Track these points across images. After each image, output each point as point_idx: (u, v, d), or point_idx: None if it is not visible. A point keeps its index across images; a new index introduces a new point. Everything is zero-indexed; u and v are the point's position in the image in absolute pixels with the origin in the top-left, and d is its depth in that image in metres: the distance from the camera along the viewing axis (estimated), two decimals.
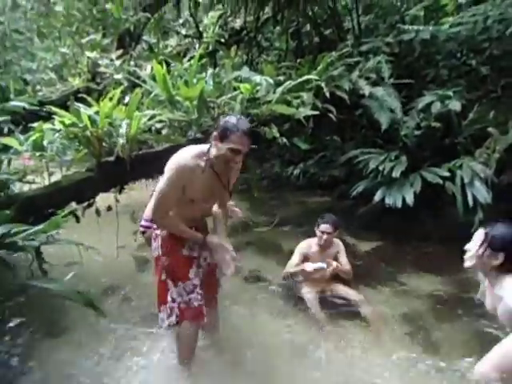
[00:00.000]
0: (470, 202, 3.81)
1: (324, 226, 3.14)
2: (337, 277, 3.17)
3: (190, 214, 2.16)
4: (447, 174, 4.04)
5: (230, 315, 2.65)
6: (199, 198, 2.13)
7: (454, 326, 2.79)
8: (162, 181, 2.07)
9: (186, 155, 2.08)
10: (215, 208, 2.35)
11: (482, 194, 3.80)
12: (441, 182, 4.01)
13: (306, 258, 3.19)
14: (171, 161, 2.08)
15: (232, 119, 2.02)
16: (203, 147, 2.13)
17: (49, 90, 6.04)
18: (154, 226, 2.25)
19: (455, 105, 4.20)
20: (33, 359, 2.42)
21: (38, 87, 6.11)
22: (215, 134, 2.06)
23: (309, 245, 3.24)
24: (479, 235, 1.91)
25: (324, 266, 2.99)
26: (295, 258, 3.19)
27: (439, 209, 4.17)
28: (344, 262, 3.20)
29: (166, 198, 2.06)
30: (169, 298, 2.13)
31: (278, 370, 2.31)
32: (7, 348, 2.44)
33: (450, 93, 4.34)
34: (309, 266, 3.00)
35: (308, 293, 3.10)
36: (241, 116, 2.09)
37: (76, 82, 5.87)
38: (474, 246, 1.91)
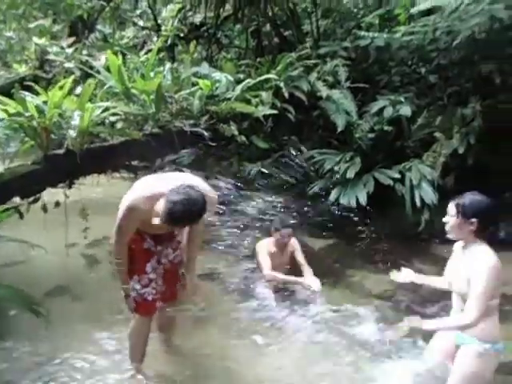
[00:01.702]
0: (418, 203, 4.02)
1: (286, 231, 3.16)
2: (293, 272, 3.22)
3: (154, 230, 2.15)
4: (398, 175, 4.24)
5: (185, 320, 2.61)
6: (161, 231, 2.13)
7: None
8: (119, 214, 2.03)
9: (140, 197, 1.99)
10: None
11: (429, 195, 4.03)
12: (392, 183, 4.19)
13: None
14: (126, 199, 2.02)
15: (177, 196, 1.84)
16: (157, 188, 1.99)
17: None
18: None
19: (406, 110, 4.42)
20: None
21: None
22: (167, 191, 1.90)
23: (268, 245, 3.25)
24: (452, 207, 2.02)
25: (318, 287, 3.02)
26: (265, 258, 3.17)
27: (389, 208, 4.36)
28: (302, 261, 3.26)
29: (124, 231, 2.05)
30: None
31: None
32: None
33: (402, 98, 4.56)
34: (311, 284, 3.02)
35: (264, 289, 3.12)
36: (190, 200, 1.85)
37: (22, 69, 5.52)
38: (449, 218, 2.02)
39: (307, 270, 3.20)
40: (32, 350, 2.39)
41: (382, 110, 4.55)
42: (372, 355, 2.46)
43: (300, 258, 3.28)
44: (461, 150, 4.11)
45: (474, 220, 1.93)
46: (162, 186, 1.98)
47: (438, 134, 4.34)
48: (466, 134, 4.15)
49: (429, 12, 4.66)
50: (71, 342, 2.48)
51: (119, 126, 3.76)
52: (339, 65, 4.92)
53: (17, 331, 2.53)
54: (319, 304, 3.01)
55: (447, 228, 2.03)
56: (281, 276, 3.15)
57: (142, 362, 2.25)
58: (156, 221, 1.91)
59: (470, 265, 1.93)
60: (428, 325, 1.99)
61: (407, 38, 4.76)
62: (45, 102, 3.01)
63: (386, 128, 4.51)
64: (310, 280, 3.09)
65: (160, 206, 1.89)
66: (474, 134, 4.12)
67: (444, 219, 2.04)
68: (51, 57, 4.76)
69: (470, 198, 1.98)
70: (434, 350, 2.17)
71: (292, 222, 3.19)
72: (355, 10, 6.20)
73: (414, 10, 4.77)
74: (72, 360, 2.34)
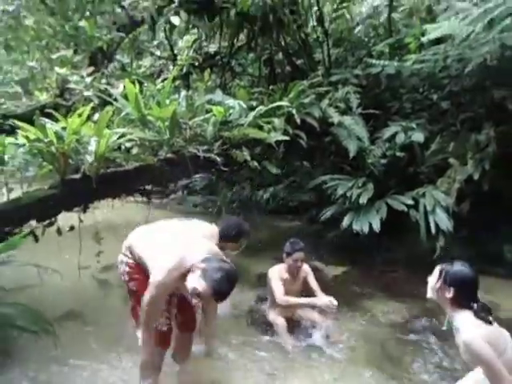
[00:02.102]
0: (433, 229, 3.95)
1: (299, 255, 3.11)
2: None
3: None
4: (411, 202, 4.19)
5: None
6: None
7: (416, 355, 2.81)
8: (150, 292, 2.02)
9: (170, 274, 2.02)
10: None
11: (444, 221, 3.96)
12: (405, 209, 4.15)
13: None
14: (156, 274, 2.02)
15: (219, 273, 1.95)
16: (185, 263, 2.04)
17: (13, 103, 5.83)
18: (123, 251, 2.27)
19: (418, 136, 4.42)
20: None
21: (2, 100, 5.89)
22: (203, 265, 2.00)
23: (280, 271, 3.21)
24: (436, 270, 2.06)
25: (335, 303, 2.93)
26: (278, 285, 3.10)
27: (404, 235, 4.29)
28: (315, 286, 3.19)
29: (155, 307, 2.06)
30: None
31: None
32: None
33: (414, 125, 4.57)
34: (326, 302, 2.94)
35: (277, 319, 3.06)
36: (230, 276, 1.98)
37: (43, 97, 5.70)
38: (432, 280, 2.05)
39: (320, 294, 3.14)
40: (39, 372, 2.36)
41: (394, 136, 4.56)
42: None
43: (313, 283, 3.21)
44: (476, 176, 4.07)
45: (451, 288, 1.94)
46: (188, 256, 2.04)
47: (452, 160, 4.31)
48: (481, 160, 4.12)
49: (439, 41, 4.73)
50: (81, 364, 2.45)
51: (135, 151, 3.84)
52: (350, 92, 4.99)
53: (32, 357, 2.51)
54: (333, 332, 2.94)
55: (428, 288, 2.06)
56: (295, 299, 3.08)
57: None
58: (194, 300, 2.11)
59: (457, 335, 1.92)
60: None
61: (418, 66, 4.81)
62: (64, 129, 3.10)
63: (398, 154, 4.51)
64: (324, 299, 3.01)
65: (195, 282, 1.95)
66: (488, 159, 4.09)
67: (428, 278, 2.07)
68: (71, 85, 4.93)
69: (456, 267, 1.99)
70: None
71: (303, 246, 3.12)
72: (366, 39, 6.33)
73: (424, 39, 4.84)
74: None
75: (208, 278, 1.93)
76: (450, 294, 1.95)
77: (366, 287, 3.81)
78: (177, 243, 2.15)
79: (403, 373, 2.58)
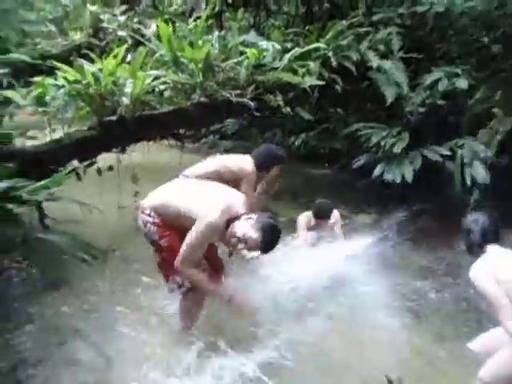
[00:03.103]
0: (468, 182, 3.85)
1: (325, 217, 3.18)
2: None
3: None
4: (448, 152, 4.05)
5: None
6: None
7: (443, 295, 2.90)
8: (196, 232, 2.05)
9: (223, 215, 2.07)
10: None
11: (481, 174, 3.84)
12: (440, 159, 4.03)
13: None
14: (205, 216, 2.05)
15: (271, 229, 2.07)
16: (238, 203, 2.14)
17: (48, 43, 5.87)
18: (146, 212, 2.23)
19: (462, 83, 4.15)
20: (33, 309, 2.50)
21: (38, 40, 5.93)
22: (255, 217, 2.09)
23: (308, 218, 3.28)
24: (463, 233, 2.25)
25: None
26: (303, 234, 3.24)
27: (437, 186, 4.21)
28: (338, 233, 3.28)
29: (198, 250, 2.09)
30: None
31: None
32: (7, 300, 2.52)
33: (459, 70, 4.28)
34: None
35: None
36: (278, 232, 2.12)
37: (77, 37, 5.70)
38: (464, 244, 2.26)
39: (341, 240, 3.24)
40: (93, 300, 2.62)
41: (436, 82, 4.30)
42: None
43: (338, 231, 3.30)
44: None
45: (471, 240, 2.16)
46: (235, 203, 2.12)
47: (496, 110, 4.06)
48: None
49: None
50: (125, 297, 2.70)
51: (167, 94, 3.86)
52: (393, 33, 4.67)
53: (76, 281, 2.78)
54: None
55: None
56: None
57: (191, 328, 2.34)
58: (240, 246, 2.09)
59: None
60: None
61: (470, 4, 4.40)
62: (100, 70, 3.15)
63: (439, 102, 4.28)
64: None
65: (247, 229, 2.05)
66: None
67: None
68: (105, 24, 4.90)
69: (476, 218, 2.19)
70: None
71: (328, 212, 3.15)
72: None
73: None
74: (126, 312, 2.56)
75: (260, 229, 2.04)
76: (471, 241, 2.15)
77: (392, 235, 3.83)
78: (220, 191, 2.21)
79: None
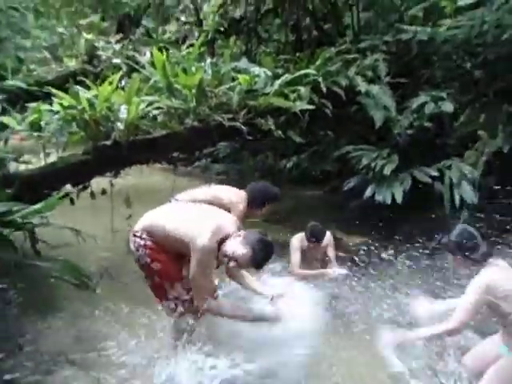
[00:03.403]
0: (457, 202, 3.93)
1: (318, 241, 3.21)
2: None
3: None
4: (436, 173, 4.15)
5: None
6: None
7: None
8: (196, 262, 2.05)
9: (212, 238, 2.07)
10: None
11: (469, 194, 3.93)
12: (430, 181, 4.12)
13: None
14: (201, 242, 2.05)
15: (260, 245, 2.07)
16: (227, 229, 2.13)
17: (43, 69, 5.98)
18: (137, 235, 2.23)
19: (448, 106, 4.31)
20: (24, 335, 2.46)
21: (32, 66, 6.04)
22: (243, 232, 2.12)
23: (301, 240, 3.30)
24: (449, 256, 2.25)
25: (346, 272, 3.10)
26: (296, 256, 3.25)
27: (427, 207, 4.28)
28: (331, 256, 3.30)
29: (206, 279, 2.09)
30: (170, 297, 2.18)
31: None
32: None
33: (444, 94, 4.44)
34: (331, 272, 3.11)
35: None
36: (269, 247, 2.12)
37: (72, 64, 5.82)
38: (452, 263, 2.27)
39: (333, 265, 3.26)
40: (85, 325, 2.59)
41: (422, 105, 4.45)
42: None
43: (330, 252, 3.32)
44: (505, 149, 3.97)
45: (459, 256, 2.14)
46: (225, 224, 2.14)
47: (481, 132, 4.20)
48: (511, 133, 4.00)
49: (476, 5, 4.49)
50: (117, 320, 2.66)
51: (160, 119, 3.93)
52: (379, 59, 4.85)
53: (71, 305, 2.75)
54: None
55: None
56: (306, 272, 3.22)
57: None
58: (231, 264, 2.09)
59: None
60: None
61: (452, 32, 4.60)
62: (95, 96, 3.22)
63: (426, 124, 4.42)
64: (334, 269, 3.15)
65: (236, 247, 2.05)
66: None
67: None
68: (99, 52, 5.02)
69: (457, 234, 2.18)
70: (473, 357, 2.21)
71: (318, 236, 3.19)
72: (398, 3, 6.04)
73: (461, 3, 4.60)
74: (118, 337, 2.52)
75: (249, 245, 2.04)
76: (460, 258, 2.14)
77: (385, 256, 3.86)
78: (209, 213, 2.23)
79: None
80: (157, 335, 2.42)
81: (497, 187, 3.93)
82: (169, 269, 2.16)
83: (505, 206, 3.95)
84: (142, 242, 2.19)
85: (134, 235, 2.22)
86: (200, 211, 2.29)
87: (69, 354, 2.34)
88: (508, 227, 3.69)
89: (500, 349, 2.01)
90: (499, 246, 2.87)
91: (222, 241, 2.09)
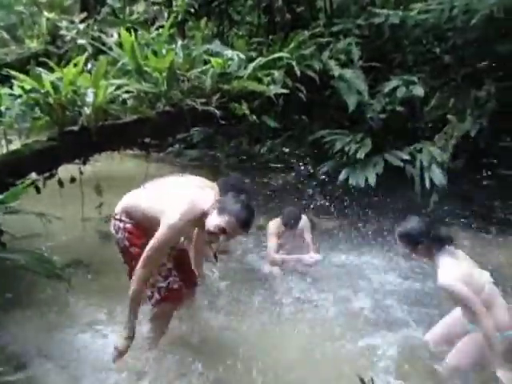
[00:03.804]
0: (427, 185, 4.04)
1: (294, 225, 3.20)
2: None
3: None
4: (408, 157, 4.24)
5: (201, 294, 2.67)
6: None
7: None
8: (160, 236, 1.99)
9: (185, 217, 2.00)
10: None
11: (439, 177, 4.05)
12: (401, 164, 4.21)
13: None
14: (169, 219, 1.99)
15: (237, 205, 2.01)
16: (201, 205, 2.05)
17: (2, 51, 5.62)
18: (117, 217, 2.19)
19: (419, 91, 4.38)
20: None
21: None
22: (217, 203, 2.05)
23: (278, 225, 3.30)
24: (398, 241, 2.23)
25: (320, 258, 3.10)
26: (272, 240, 3.24)
27: (399, 190, 4.38)
28: (308, 240, 3.33)
29: (160, 254, 2.04)
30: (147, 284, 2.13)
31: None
32: None
33: (415, 78, 4.51)
34: (308, 259, 3.11)
35: (272, 269, 3.22)
36: (247, 204, 2.06)
37: (33, 45, 5.50)
38: (403, 249, 2.25)
39: (310, 248, 3.29)
40: (57, 319, 2.50)
41: (394, 89, 4.51)
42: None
43: (307, 237, 3.34)
44: (473, 133, 4.10)
45: (418, 245, 2.12)
46: (200, 200, 2.06)
47: (450, 116, 4.32)
48: (479, 117, 4.12)
49: None
50: (88, 313, 2.60)
51: (130, 103, 3.78)
52: (352, 43, 4.86)
53: (42, 299, 2.65)
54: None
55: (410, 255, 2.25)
56: (282, 257, 3.24)
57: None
58: (222, 238, 2.05)
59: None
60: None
61: (423, 16, 4.66)
62: (59, 79, 3.04)
63: (398, 108, 4.49)
64: (309, 254, 3.19)
65: (216, 220, 1.99)
66: (486, 116, 4.09)
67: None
68: (63, 32, 4.76)
69: (408, 225, 2.17)
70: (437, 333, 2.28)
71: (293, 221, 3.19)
72: None
73: None
74: (89, 329, 2.46)
75: (228, 211, 1.98)
76: (421, 249, 2.13)
77: (357, 240, 3.94)
78: (185, 191, 2.15)
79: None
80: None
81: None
82: None
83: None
84: (122, 225, 2.16)
85: (114, 218, 2.19)
86: (176, 188, 2.22)
87: (42, 348, 2.27)
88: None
89: (469, 326, 2.09)
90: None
91: (199, 219, 2.04)
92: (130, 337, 2.02)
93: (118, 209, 2.20)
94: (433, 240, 2.12)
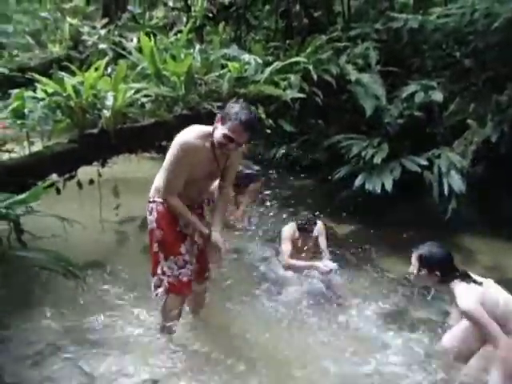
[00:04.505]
0: (446, 191, 3.96)
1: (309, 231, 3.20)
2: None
3: (188, 192, 2.21)
4: (426, 163, 4.17)
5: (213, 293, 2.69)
6: (200, 178, 2.21)
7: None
8: (168, 160, 2.13)
9: (189, 134, 2.14)
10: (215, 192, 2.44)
11: (457, 183, 3.96)
12: (419, 170, 4.14)
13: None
14: (175, 139, 2.14)
15: (236, 107, 2.08)
16: (207, 128, 2.18)
17: (26, 55, 5.79)
18: (150, 200, 2.27)
19: (438, 96, 4.31)
20: (7, 328, 2.41)
21: (15, 52, 5.85)
22: (218, 116, 2.13)
23: (293, 229, 3.28)
24: (414, 258, 2.21)
25: (336, 267, 3.07)
26: (287, 245, 3.21)
27: (416, 196, 4.31)
28: (323, 247, 3.29)
29: (174, 176, 2.12)
30: (159, 271, 2.21)
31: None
32: None
33: (434, 83, 4.44)
34: (322, 267, 3.07)
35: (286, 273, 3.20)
36: (247, 106, 2.12)
37: (56, 49, 5.65)
38: (414, 269, 2.21)
39: (325, 255, 3.25)
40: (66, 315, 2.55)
41: (412, 94, 4.45)
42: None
43: (322, 243, 3.31)
44: (494, 139, 4.00)
45: (435, 271, 2.12)
46: (204, 127, 2.18)
47: (470, 122, 4.23)
48: (500, 122, 4.03)
49: None
50: (104, 312, 2.63)
51: (149, 106, 3.84)
52: (370, 47, 4.82)
53: (59, 297, 2.70)
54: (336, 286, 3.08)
55: (413, 278, 2.23)
56: (297, 263, 3.20)
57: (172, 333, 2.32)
58: (231, 147, 2.09)
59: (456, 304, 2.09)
60: None
61: (443, 20, 4.59)
62: (80, 83, 3.12)
63: (416, 114, 4.42)
64: (324, 262, 3.14)
65: (220, 131, 2.06)
66: (508, 121, 4.00)
67: (409, 269, 2.21)
68: (85, 37, 4.88)
69: (431, 249, 2.16)
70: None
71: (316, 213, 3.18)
72: None
73: None
74: (106, 327, 2.49)
75: (229, 119, 2.04)
76: (436, 275, 2.13)
77: (375, 245, 3.89)
78: None
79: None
80: (149, 326, 2.41)
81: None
82: (169, 239, 2.18)
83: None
84: (154, 206, 2.22)
85: (149, 201, 2.26)
86: None
87: (57, 346, 2.31)
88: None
89: None
90: None
91: (206, 138, 2.12)
92: (207, 233, 2.20)
93: (152, 191, 2.27)
94: (451, 271, 2.14)
